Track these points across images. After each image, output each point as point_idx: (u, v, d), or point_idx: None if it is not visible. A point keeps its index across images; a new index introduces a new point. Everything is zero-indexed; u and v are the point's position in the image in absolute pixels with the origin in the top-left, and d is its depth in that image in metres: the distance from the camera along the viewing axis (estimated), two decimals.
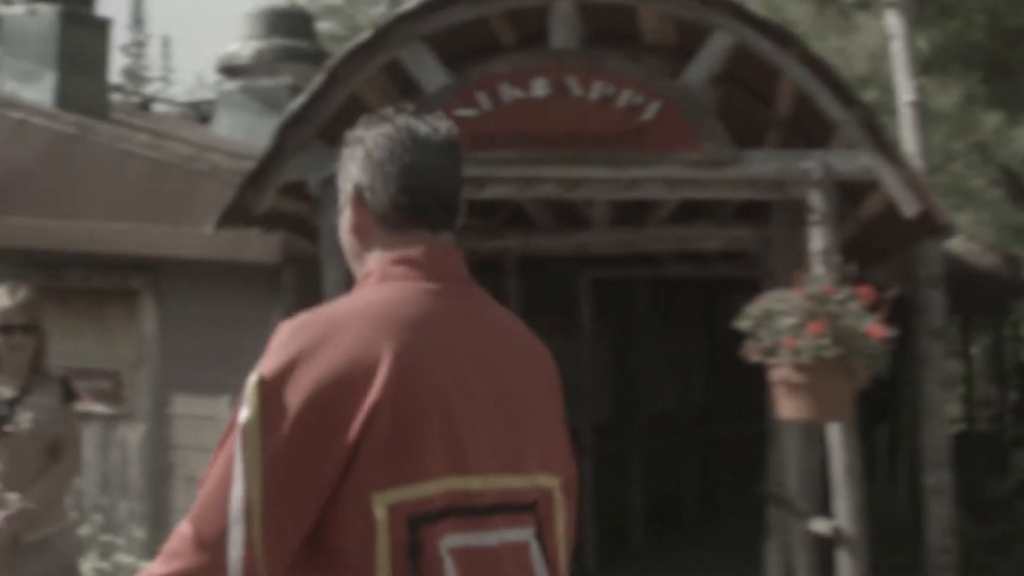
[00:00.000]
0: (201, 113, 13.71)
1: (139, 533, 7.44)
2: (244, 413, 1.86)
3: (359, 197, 2.07)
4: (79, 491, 7.17)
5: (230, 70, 11.65)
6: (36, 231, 7.81)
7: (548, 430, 2.11)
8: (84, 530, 6.16)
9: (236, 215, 5.96)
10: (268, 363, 1.88)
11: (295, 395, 1.84)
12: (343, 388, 1.84)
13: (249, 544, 1.83)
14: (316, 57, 11.27)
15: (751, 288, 9.42)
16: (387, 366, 1.86)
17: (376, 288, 2.01)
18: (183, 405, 7.52)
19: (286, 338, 1.90)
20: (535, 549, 2.04)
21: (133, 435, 7.61)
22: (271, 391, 1.85)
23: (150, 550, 6.87)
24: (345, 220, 2.11)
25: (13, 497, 4.40)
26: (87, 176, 7.93)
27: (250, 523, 1.84)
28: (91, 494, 7.63)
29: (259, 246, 6.75)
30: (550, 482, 2.09)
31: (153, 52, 62.09)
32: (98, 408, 7.54)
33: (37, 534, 4.50)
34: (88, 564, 6.23)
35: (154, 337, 7.57)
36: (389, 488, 1.85)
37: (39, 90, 9.48)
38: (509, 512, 1.99)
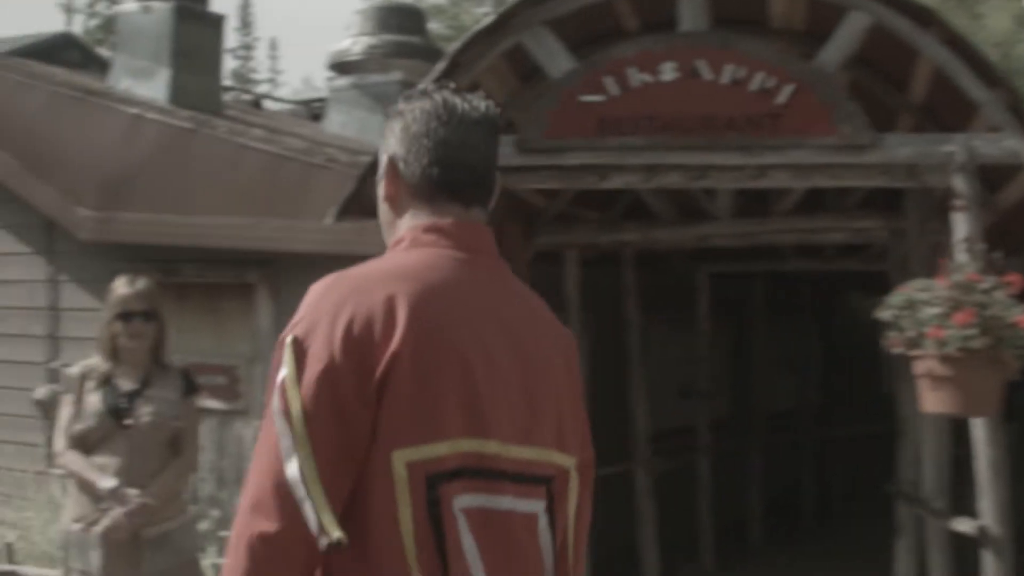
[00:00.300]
0: (312, 111, 13.73)
1: None
2: (283, 372, 1.91)
3: (393, 168, 2.12)
4: (196, 486, 7.15)
5: (341, 67, 11.62)
6: (152, 227, 7.83)
7: (565, 410, 2.13)
8: (202, 526, 6.11)
9: (355, 206, 5.87)
10: (300, 322, 1.93)
11: (325, 349, 1.88)
12: (367, 340, 1.89)
13: (304, 497, 1.86)
14: (427, 52, 11.20)
15: (870, 282, 9.18)
16: (408, 320, 1.90)
17: (405, 253, 2.06)
18: None
19: (316, 297, 1.96)
20: (544, 523, 2.06)
21: (248, 431, 7.57)
22: (304, 348, 1.90)
23: None
24: (380, 190, 2.17)
25: (133, 492, 4.34)
26: (203, 171, 7.93)
27: (304, 479, 1.87)
28: (208, 489, 7.62)
29: (374, 238, 6.63)
30: (566, 461, 2.11)
31: (260, 55, 63.03)
32: (214, 404, 7.51)
33: (157, 529, 4.45)
34: (207, 560, 6.19)
35: (269, 332, 7.50)
36: (409, 445, 1.89)
37: (153, 87, 9.52)
38: (523, 483, 2.02)
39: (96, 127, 8.23)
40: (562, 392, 2.13)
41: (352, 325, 1.90)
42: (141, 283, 4.58)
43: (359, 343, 1.89)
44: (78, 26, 32.50)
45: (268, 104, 15.48)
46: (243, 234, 7.47)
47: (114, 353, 4.53)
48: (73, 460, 4.43)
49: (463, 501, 1.93)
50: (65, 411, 4.53)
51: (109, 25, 26.35)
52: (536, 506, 2.05)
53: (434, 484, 1.90)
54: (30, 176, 8.26)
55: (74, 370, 4.60)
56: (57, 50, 11.54)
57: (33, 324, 8.42)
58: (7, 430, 7.69)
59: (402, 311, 1.92)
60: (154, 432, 4.46)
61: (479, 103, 2.14)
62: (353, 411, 1.89)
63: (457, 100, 2.12)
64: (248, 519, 1.89)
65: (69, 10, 34.24)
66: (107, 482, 4.33)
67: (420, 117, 2.11)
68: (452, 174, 2.09)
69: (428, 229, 2.07)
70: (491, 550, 1.95)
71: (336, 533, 1.85)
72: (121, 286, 4.56)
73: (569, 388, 2.16)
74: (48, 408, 8.16)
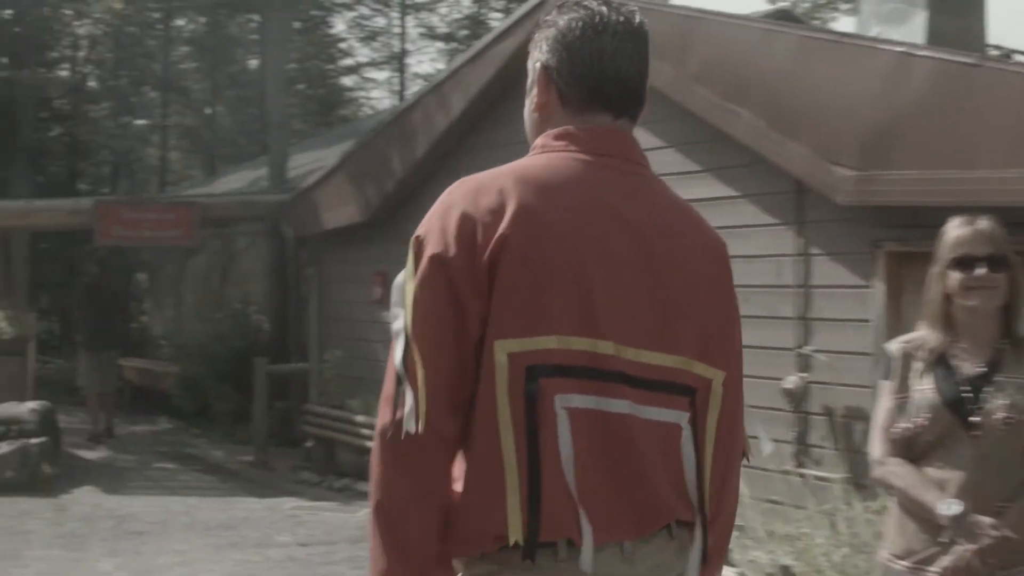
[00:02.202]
0: None
1: None
2: (406, 267, 2.01)
3: (546, 76, 2.17)
4: None
5: None
6: (923, 185, 6.52)
7: (711, 321, 2.09)
8: None
9: None
10: (424, 223, 2.03)
11: (440, 243, 1.97)
12: (477, 231, 1.95)
13: (412, 383, 1.94)
14: None
15: None
16: (516, 211, 1.95)
17: (532, 156, 2.14)
18: None
19: (441, 199, 2.05)
20: (687, 435, 2.05)
21: None
22: (422, 243, 2.00)
23: None
24: (530, 100, 2.21)
25: (986, 521, 3.04)
26: (986, 115, 6.44)
27: (404, 365, 1.95)
28: None
29: None
30: (710, 373, 2.09)
31: None
32: None
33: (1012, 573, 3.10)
34: None
35: None
36: (511, 336, 1.93)
37: (907, 31, 8.33)
38: (655, 389, 2.01)
39: (851, 74, 7.06)
40: (709, 302, 2.10)
41: (464, 220, 1.97)
42: (983, 223, 3.28)
43: (470, 235, 1.95)
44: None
45: None
46: None
47: (949, 321, 3.26)
48: (897, 472, 3.26)
49: (568, 400, 1.94)
50: (883, 403, 3.36)
51: None
52: (677, 416, 2.05)
53: (534, 377, 1.93)
54: (778, 135, 7.27)
55: (894, 346, 3.43)
56: None
57: (781, 304, 7.43)
58: (759, 424, 6.76)
59: (512, 204, 1.96)
60: (1010, 436, 3.13)
61: (632, 15, 2.16)
62: (464, 300, 1.94)
63: (611, 11, 2.14)
64: (379, 413, 2.00)
65: None
66: (950, 506, 3.08)
67: (575, 27, 2.13)
68: (605, 83, 2.13)
69: (560, 136, 2.12)
70: (592, 452, 1.95)
71: (419, 421, 1.92)
72: (956, 227, 3.30)
73: (719, 299, 2.13)
74: (798, 399, 7.18)
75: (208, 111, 32.14)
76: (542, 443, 1.91)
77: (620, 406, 1.98)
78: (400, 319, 2.00)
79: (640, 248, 2.04)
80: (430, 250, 1.97)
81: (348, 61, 36.38)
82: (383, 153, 12.03)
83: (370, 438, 8.15)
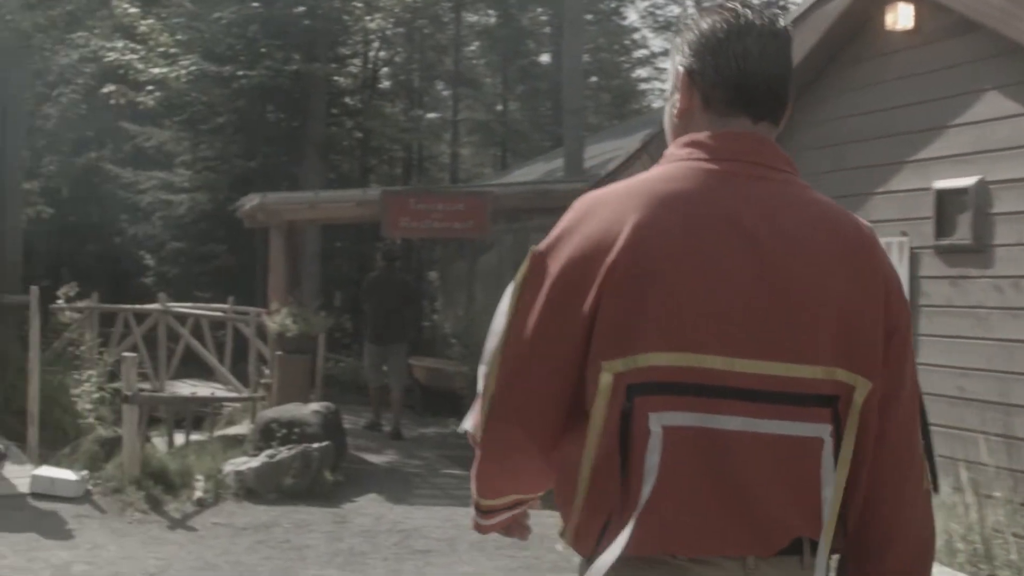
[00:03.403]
0: None
1: None
2: (516, 277, 2.07)
3: (689, 79, 2.16)
4: None
5: None
6: None
7: (854, 327, 2.05)
8: None
9: None
10: (549, 237, 2.07)
11: (554, 264, 2.02)
12: (588, 257, 1.99)
13: (495, 383, 2.05)
14: None
15: None
16: (627, 235, 1.97)
17: (656, 168, 2.13)
18: None
19: (566, 216, 2.08)
20: (828, 447, 2.01)
21: None
22: (539, 260, 2.05)
23: None
24: (670, 105, 2.22)
25: None
26: None
27: (487, 374, 2.08)
28: None
29: None
30: (852, 380, 2.03)
31: None
32: None
33: None
34: None
35: None
36: (616, 357, 1.95)
37: None
38: (786, 402, 1.98)
39: None
40: (846, 308, 2.04)
41: (578, 246, 2.00)
42: None
43: (579, 263, 1.99)
44: None
45: None
46: None
47: None
48: None
49: (668, 418, 1.95)
50: None
51: None
52: (814, 429, 2.00)
53: (631, 396, 1.95)
54: None
55: None
56: None
57: None
58: None
59: (621, 222, 1.99)
60: None
61: (776, 17, 2.17)
62: (565, 328, 2.00)
63: (753, 13, 2.15)
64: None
65: None
66: None
67: (719, 28, 2.13)
68: (750, 85, 2.12)
69: (687, 143, 2.12)
70: (691, 469, 1.94)
71: (465, 424, 2.16)
72: None
73: (864, 305, 2.06)
74: None
75: (499, 107, 31.91)
76: (630, 464, 1.95)
77: (730, 422, 1.97)
78: (500, 323, 2.10)
79: (756, 256, 2.02)
80: (541, 277, 2.04)
81: (640, 52, 35.61)
82: None
83: None
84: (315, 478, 9.92)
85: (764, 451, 1.97)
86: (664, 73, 35.91)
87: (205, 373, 17.87)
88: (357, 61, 27.57)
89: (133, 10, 20.19)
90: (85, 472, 9.08)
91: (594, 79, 32.40)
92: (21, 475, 9.08)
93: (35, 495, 8.67)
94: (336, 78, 24.00)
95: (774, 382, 1.98)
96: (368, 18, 23.40)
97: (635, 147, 12.11)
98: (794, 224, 2.06)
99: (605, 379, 1.96)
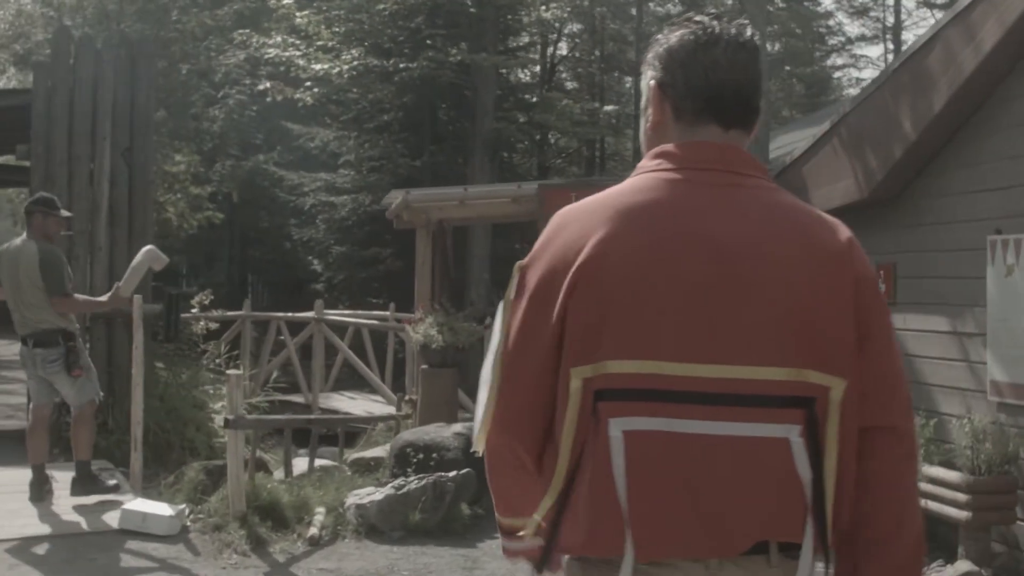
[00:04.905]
0: None
1: None
2: (506, 293, 2.23)
3: (660, 93, 2.26)
4: None
5: None
6: None
7: (825, 328, 2.10)
8: None
9: None
10: (532, 252, 2.22)
11: (532, 276, 2.17)
12: (556, 270, 2.13)
13: (492, 397, 2.18)
14: None
15: None
16: (588, 249, 2.08)
17: (628, 180, 2.23)
18: None
19: (545, 230, 2.23)
20: (800, 448, 2.06)
21: None
22: (520, 275, 2.21)
23: None
24: (645, 119, 2.31)
25: None
26: None
27: (495, 382, 2.18)
28: None
29: None
30: (826, 381, 2.09)
31: None
32: None
33: None
34: None
35: None
36: (584, 363, 2.07)
37: None
38: (752, 404, 2.04)
39: None
40: (816, 309, 2.10)
41: (550, 259, 2.14)
42: None
43: (550, 275, 2.13)
44: None
45: None
46: None
47: None
48: None
49: (629, 423, 2.03)
50: None
51: None
52: (782, 430, 2.06)
53: (595, 402, 2.05)
54: None
55: None
56: None
57: None
58: None
59: (590, 234, 2.09)
60: None
61: (743, 28, 2.24)
62: (540, 335, 2.12)
63: (720, 25, 2.22)
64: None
65: None
66: None
67: (687, 42, 2.22)
68: (720, 94, 2.21)
69: (656, 155, 2.22)
70: (654, 473, 2.02)
71: (478, 443, 2.23)
72: None
73: (831, 306, 2.12)
74: None
75: None
76: (593, 467, 2.04)
77: (691, 426, 2.03)
78: (495, 339, 2.20)
79: (719, 263, 2.08)
80: (524, 290, 2.17)
81: (834, 40, 33.64)
82: (887, 110, 9.34)
83: None
84: (449, 512, 8.71)
85: (725, 453, 2.03)
86: (860, 60, 33.78)
87: (365, 384, 17.01)
88: (533, 55, 26.48)
89: (288, 1, 19.49)
90: (183, 506, 8.09)
91: (786, 68, 30.63)
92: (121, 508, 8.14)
93: (125, 532, 7.71)
94: (503, 70, 22.90)
95: (737, 385, 2.05)
96: (543, 7, 22.33)
97: (824, 128, 10.63)
98: (760, 229, 2.13)
99: (575, 385, 2.08)
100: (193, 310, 12.45)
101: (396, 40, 20.66)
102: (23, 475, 8.72)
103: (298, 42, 20.64)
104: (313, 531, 8.02)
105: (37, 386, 8.56)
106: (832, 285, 2.11)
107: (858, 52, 32.98)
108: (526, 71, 26.01)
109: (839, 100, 30.92)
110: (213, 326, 12.60)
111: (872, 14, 33.26)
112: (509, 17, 22.56)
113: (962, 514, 7.44)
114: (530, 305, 2.13)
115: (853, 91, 31.74)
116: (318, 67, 20.11)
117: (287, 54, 20.56)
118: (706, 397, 2.03)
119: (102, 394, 8.91)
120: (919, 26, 45.99)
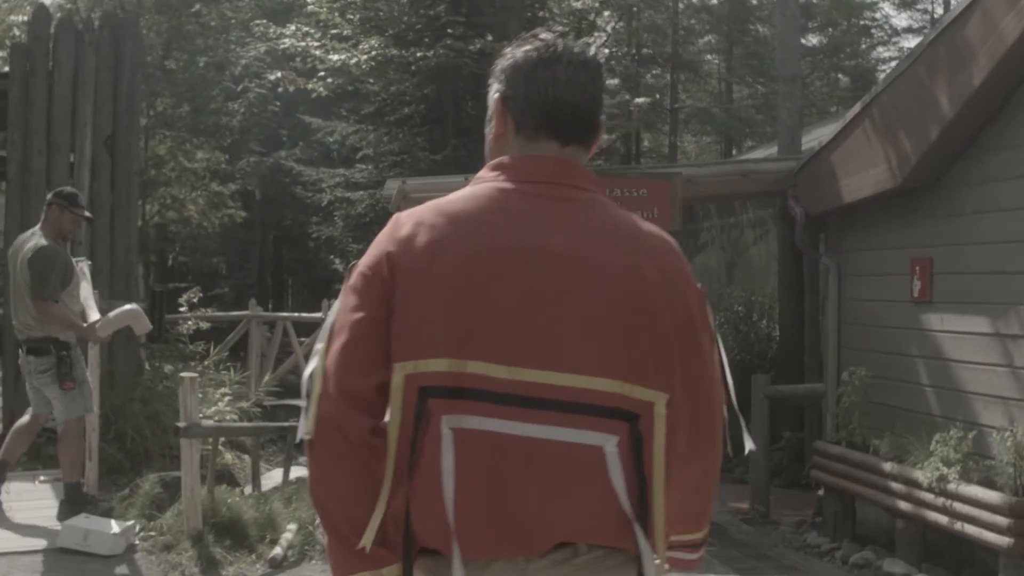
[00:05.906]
0: None
1: None
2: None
3: (503, 106, 2.33)
4: None
5: None
6: None
7: (645, 344, 2.15)
8: None
9: None
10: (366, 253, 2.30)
11: (359, 277, 2.21)
12: (379, 268, 2.18)
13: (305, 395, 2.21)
14: None
15: None
16: (414, 252, 2.15)
17: (465, 188, 2.28)
18: None
19: (382, 230, 2.28)
20: (614, 457, 2.10)
21: None
22: (352, 271, 2.25)
23: None
24: (488, 130, 2.38)
25: None
26: None
27: (311, 379, 2.21)
28: None
29: None
30: (649, 396, 2.14)
31: None
32: None
33: None
34: None
35: None
36: (406, 359, 2.12)
37: None
38: (574, 411, 2.09)
39: None
40: (639, 325, 2.15)
41: (374, 258, 2.19)
42: None
43: (382, 266, 2.17)
44: None
45: None
46: None
47: None
48: None
49: (457, 421, 2.08)
50: None
51: None
52: (599, 439, 2.10)
53: (425, 398, 2.09)
54: None
55: None
56: None
57: None
58: None
59: (418, 236, 2.16)
60: None
61: (586, 47, 2.35)
62: (368, 329, 2.15)
63: (563, 42, 2.32)
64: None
65: None
66: None
67: (531, 58, 2.29)
68: (558, 110, 2.29)
69: (494, 167, 2.29)
70: (479, 471, 2.07)
71: (302, 431, 2.20)
72: None
73: (653, 322, 2.16)
74: None
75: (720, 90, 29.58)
76: (421, 463, 2.07)
77: (512, 428, 2.07)
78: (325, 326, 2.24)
79: (550, 273, 2.13)
80: (350, 288, 2.21)
81: (880, 32, 32.62)
82: (922, 86, 8.52)
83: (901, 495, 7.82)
84: None
85: (544, 456, 2.09)
86: (905, 52, 32.77)
87: None
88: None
89: None
90: (132, 522, 7.34)
91: (831, 60, 29.71)
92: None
93: (64, 551, 6.96)
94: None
95: (559, 392, 2.10)
96: None
97: (855, 111, 9.81)
98: (590, 243, 2.19)
99: (397, 379, 2.12)
100: (181, 309, 11.74)
101: (415, 28, 19.94)
102: None
103: (313, 31, 19.97)
104: (277, 551, 7.26)
105: (35, 396, 7.78)
106: (660, 300, 2.19)
107: (905, 45, 31.81)
108: None
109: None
110: (204, 325, 11.88)
111: (919, 6, 32.24)
112: (537, 6, 21.78)
113: (1003, 540, 6.62)
114: (356, 301, 2.18)
115: None
116: (335, 57, 19.44)
117: (303, 44, 19.91)
118: (528, 401, 2.09)
119: (95, 409, 8.09)
120: None
